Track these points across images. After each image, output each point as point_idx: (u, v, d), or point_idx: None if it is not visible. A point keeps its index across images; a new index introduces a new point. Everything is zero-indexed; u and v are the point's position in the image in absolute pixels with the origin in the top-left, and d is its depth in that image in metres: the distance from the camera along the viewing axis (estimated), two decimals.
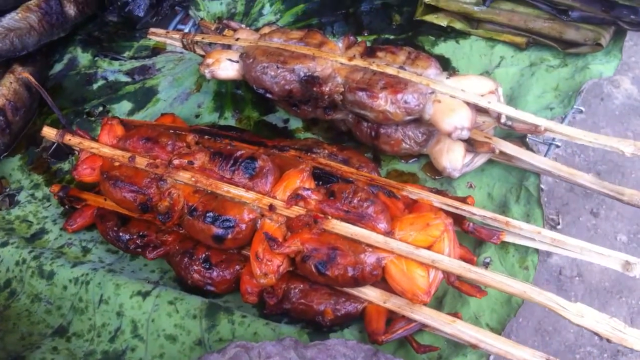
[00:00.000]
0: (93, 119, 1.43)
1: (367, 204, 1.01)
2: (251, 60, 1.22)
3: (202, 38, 1.32)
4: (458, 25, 1.42)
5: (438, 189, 1.14)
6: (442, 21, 1.44)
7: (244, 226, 1.04)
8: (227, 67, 1.26)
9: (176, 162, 1.10)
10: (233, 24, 1.43)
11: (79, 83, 1.51)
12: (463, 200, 1.09)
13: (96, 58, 1.54)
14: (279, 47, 1.23)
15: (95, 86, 1.50)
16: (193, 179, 1.09)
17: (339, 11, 1.52)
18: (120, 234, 1.17)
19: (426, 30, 1.44)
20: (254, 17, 1.57)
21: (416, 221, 1.00)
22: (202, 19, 1.56)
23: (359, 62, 1.18)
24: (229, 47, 1.31)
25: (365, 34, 1.47)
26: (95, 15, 1.61)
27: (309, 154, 1.17)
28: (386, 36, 1.46)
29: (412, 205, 1.10)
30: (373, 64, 1.17)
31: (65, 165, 1.37)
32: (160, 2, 1.55)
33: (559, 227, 2.78)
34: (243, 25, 1.43)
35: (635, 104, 2.25)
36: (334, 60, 1.20)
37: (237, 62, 1.26)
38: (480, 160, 1.20)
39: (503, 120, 1.13)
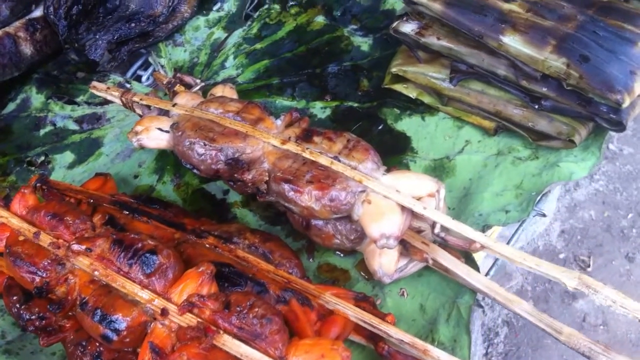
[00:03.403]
0: (33, 169, 1.36)
1: (263, 321, 0.91)
2: (180, 133, 1.13)
3: (140, 99, 1.23)
4: (427, 99, 1.30)
5: (364, 296, 1.02)
6: (411, 92, 1.31)
7: (133, 329, 0.95)
8: (156, 137, 1.17)
9: (75, 247, 1.02)
10: (187, 78, 1.35)
11: (27, 127, 1.44)
12: (383, 317, 0.98)
13: (49, 100, 1.47)
14: (213, 120, 1.13)
15: (42, 132, 1.42)
16: (92, 267, 1.00)
17: (305, 70, 1.41)
18: (22, 312, 1.09)
19: (392, 101, 1.32)
20: (215, 69, 1.47)
21: (312, 349, 0.89)
22: (155, 70, 1.48)
23: (291, 147, 1.07)
24: (167, 112, 1.21)
25: (328, 99, 1.36)
26: (59, 52, 1.53)
27: (227, 243, 1.08)
28: (350, 104, 1.35)
29: (327, 316, 0.99)
30: (307, 150, 1.06)
31: None
32: (118, 47, 1.47)
33: (588, 269, 2.61)
34: (198, 81, 1.34)
35: None
36: (266, 141, 1.09)
37: (168, 132, 1.17)
38: (416, 267, 1.08)
39: (437, 230, 1.01)
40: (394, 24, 1.25)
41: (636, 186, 2.92)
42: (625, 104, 1.05)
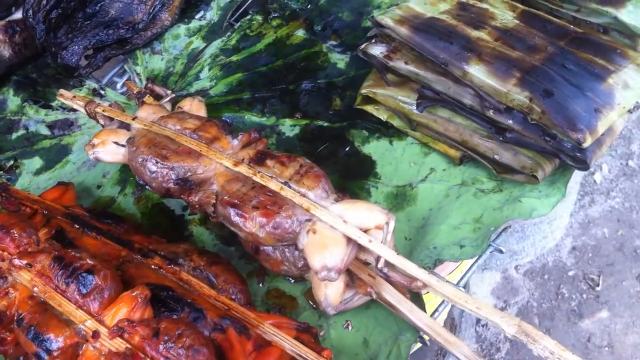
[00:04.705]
0: (1, 173, 1.36)
1: (190, 352, 0.89)
2: (134, 148, 1.12)
3: (103, 110, 1.22)
4: (397, 122, 1.27)
5: (307, 327, 1.00)
6: (382, 114, 1.28)
7: (64, 350, 0.94)
8: (112, 151, 1.16)
9: (16, 261, 1.01)
10: (158, 89, 1.33)
11: (0, 130, 1.44)
12: (320, 351, 0.96)
13: (25, 104, 1.47)
14: (169, 137, 1.12)
15: (14, 135, 1.42)
16: (32, 282, 1.00)
17: (278, 86, 1.39)
18: None
19: (362, 123, 1.29)
20: (189, 79, 1.45)
21: None
22: (130, 79, 1.46)
23: (243, 169, 1.05)
24: (128, 125, 1.20)
25: (298, 117, 1.33)
26: (39, 54, 1.53)
27: (172, 265, 1.06)
28: (320, 123, 1.32)
29: (265, 346, 0.97)
30: (258, 173, 1.04)
31: None
32: (95, 53, 1.46)
33: (597, 288, 2.57)
34: (169, 92, 1.33)
35: None
36: (219, 162, 1.07)
37: (124, 146, 1.15)
38: (361, 299, 1.05)
39: (380, 265, 0.98)
40: (362, 46, 1.22)
41: None
42: (587, 144, 1.01)
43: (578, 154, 1.05)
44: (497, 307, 2.72)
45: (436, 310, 1.06)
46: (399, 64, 1.19)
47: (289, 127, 1.32)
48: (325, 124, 1.32)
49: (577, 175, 2.49)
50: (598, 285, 2.66)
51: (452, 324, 2.36)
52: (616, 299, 2.60)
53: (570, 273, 2.73)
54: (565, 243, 2.84)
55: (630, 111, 1.10)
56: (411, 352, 1.53)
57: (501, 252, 1.10)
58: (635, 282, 2.62)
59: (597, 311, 2.60)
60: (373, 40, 1.22)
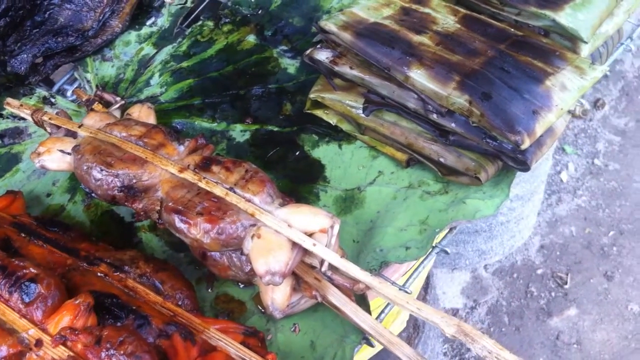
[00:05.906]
0: None
1: (132, 359, 0.89)
2: (80, 156, 1.12)
3: (49, 118, 1.22)
4: (346, 126, 1.28)
5: (254, 331, 1.01)
6: (331, 119, 1.29)
7: (7, 359, 0.94)
8: (58, 159, 1.16)
9: None
10: (107, 96, 1.33)
11: None
12: (264, 355, 0.96)
13: None
14: (114, 144, 1.12)
15: None
16: None
17: (229, 92, 1.39)
18: None
19: (313, 127, 1.31)
20: (139, 86, 1.45)
21: None
22: (79, 86, 1.46)
23: (188, 176, 1.06)
24: (75, 133, 1.20)
25: (249, 122, 1.34)
26: None
27: (118, 272, 1.06)
28: (270, 127, 1.33)
29: (211, 352, 0.98)
30: (203, 179, 1.05)
31: None
32: (45, 60, 1.45)
33: (565, 286, 2.60)
34: (118, 99, 1.33)
35: None
36: (164, 168, 1.08)
37: (70, 154, 1.15)
38: (308, 302, 1.06)
39: (323, 268, 0.99)
40: (308, 51, 1.23)
41: (620, 203, 2.90)
42: (525, 146, 1.03)
43: (519, 156, 1.08)
44: (467, 306, 2.75)
45: (382, 312, 1.07)
46: (345, 69, 1.20)
47: (239, 133, 1.33)
48: (276, 129, 1.33)
49: (544, 175, 2.52)
50: (566, 283, 2.69)
51: (415, 325, 2.38)
52: (584, 297, 2.64)
53: (539, 271, 2.76)
54: (534, 242, 2.87)
55: (570, 112, 1.13)
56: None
57: (446, 253, 1.12)
58: (603, 279, 2.67)
59: (565, 309, 2.64)
60: (319, 46, 1.23)
